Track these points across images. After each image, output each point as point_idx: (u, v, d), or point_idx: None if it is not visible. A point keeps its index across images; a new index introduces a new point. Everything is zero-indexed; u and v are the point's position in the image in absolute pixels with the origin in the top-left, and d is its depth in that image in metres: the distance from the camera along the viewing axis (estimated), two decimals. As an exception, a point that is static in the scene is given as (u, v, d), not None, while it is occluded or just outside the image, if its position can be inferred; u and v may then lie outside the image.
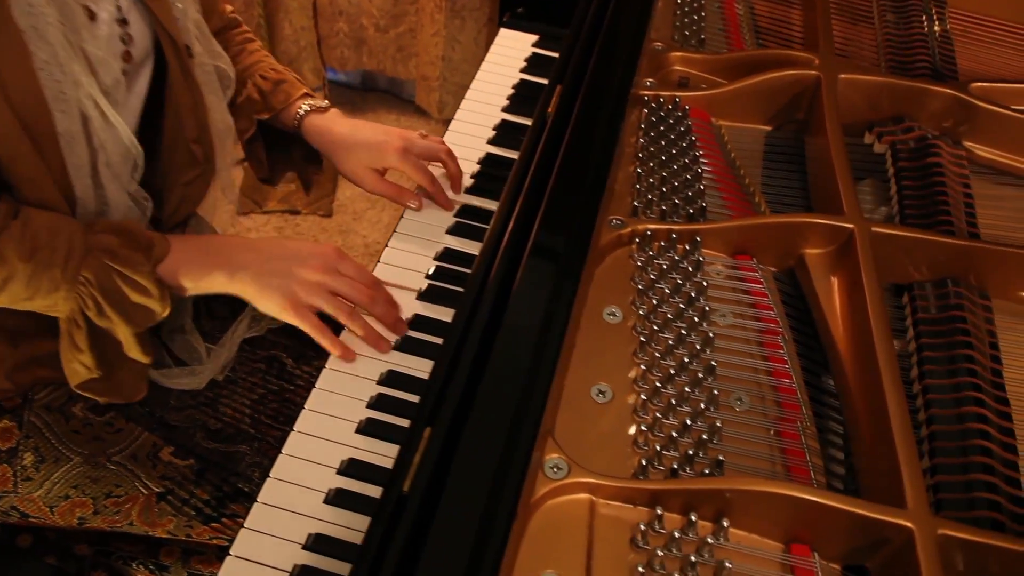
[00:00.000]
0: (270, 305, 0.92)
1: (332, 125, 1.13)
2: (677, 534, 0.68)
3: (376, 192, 1.12)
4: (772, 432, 0.76)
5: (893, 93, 1.04)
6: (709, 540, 0.68)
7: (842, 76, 1.03)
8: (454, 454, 0.64)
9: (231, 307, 1.16)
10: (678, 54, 1.12)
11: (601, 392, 0.79)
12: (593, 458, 0.73)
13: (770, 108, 1.07)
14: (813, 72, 1.04)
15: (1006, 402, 0.80)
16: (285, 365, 1.15)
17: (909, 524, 0.64)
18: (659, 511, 0.68)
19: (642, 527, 0.68)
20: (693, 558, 0.66)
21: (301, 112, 1.14)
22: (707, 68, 1.11)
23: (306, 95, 1.16)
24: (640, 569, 0.65)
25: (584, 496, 0.71)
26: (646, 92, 1.05)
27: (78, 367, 0.90)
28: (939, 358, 0.82)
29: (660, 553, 0.66)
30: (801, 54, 1.07)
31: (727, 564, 0.66)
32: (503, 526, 0.61)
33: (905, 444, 0.69)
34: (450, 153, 1.10)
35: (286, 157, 1.25)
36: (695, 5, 1.20)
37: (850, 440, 0.78)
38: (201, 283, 0.91)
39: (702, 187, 0.95)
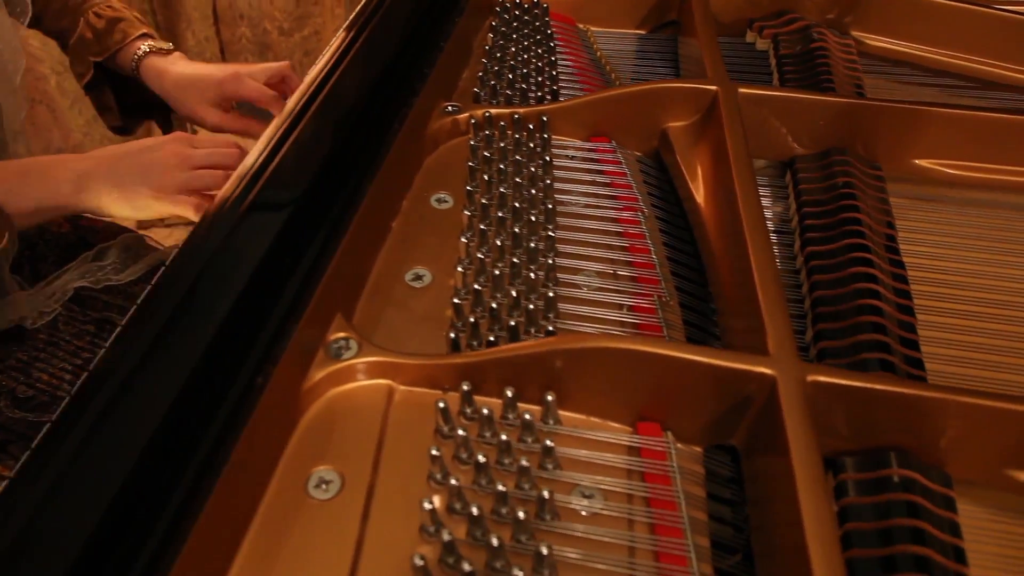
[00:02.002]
0: (138, 203, 0.82)
1: (170, 66, 1.03)
2: (486, 411, 0.53)
3: (220, 128, 1.01)
4: (625, 308, 0.63)
5: (771, -18, 0.94)
6: (527, 417, 0.53)
7: (713, -36, 0.94)
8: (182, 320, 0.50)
9: (59, 267, 1.03)
10: (541, -36, 1.02)
11: (418, 277, 0.65)
12: (399, 341, 0.60)
13: (640, 9, 0.97)
14: (681, -37, 0.94)
15: (901, 265, 0.67)
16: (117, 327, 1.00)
17: (770, 371, 0.51)
18: (466, 387, 0.54)
19: (441, 405, 0.54)
20: (504, 436, 0.52)
21: (139, 53, 1.04)
22: (573, -24, 1.01)
23: (146, 35, 1.06)
24: (434, 452, 0.51)
25: (382, 382, 0.57)
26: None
27: None
28: (823, 224, 0.69)
29: (461, 433, 0.52)
30: (669, -52, 0.97)
31: (548, 443, 0.52)
32: (232, 407, 0.47)
33: (767, 291, 0.56)
34: (290, 71, 0.99)
35: (142, 103, 1.14)
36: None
37: (719, 314, 0.65)
38: (45, 203, 0.81)
39: (556, 73, 0.84)
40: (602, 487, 0.52)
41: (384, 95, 0.71)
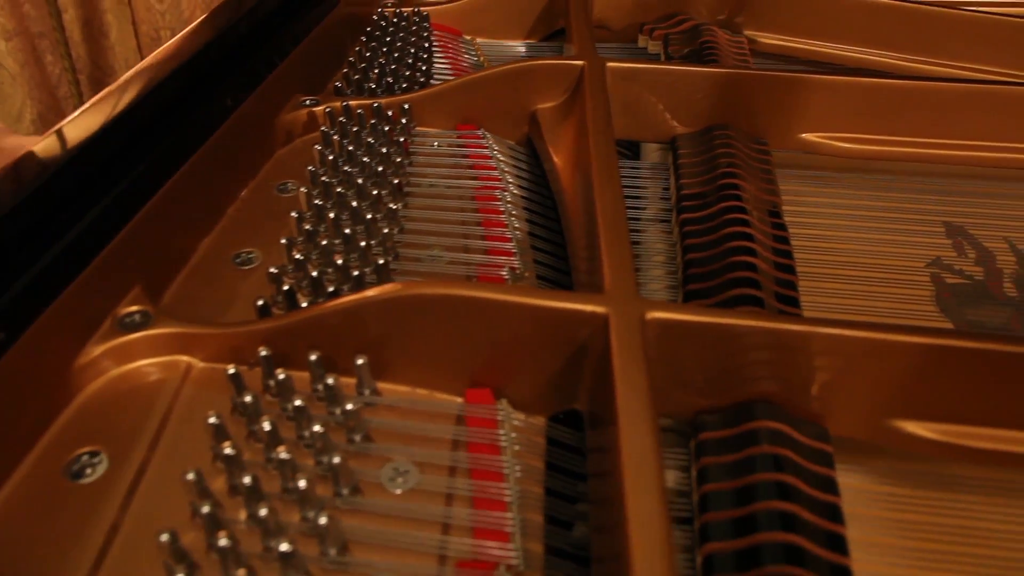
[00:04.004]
0: None
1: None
2: (283, 376, 0.46)
3: None
4: (473, 279, 0.57)
5: (658, -16, 0.92)
6: (330, 382, 0.46)
7: (596, -32, 0.92)
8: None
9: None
10: (430, -18, 1.00)
11: (246, 259, 0.59)
12: (212, 317, 0.53)
13: (527, 18, 0.94)
14: (564, -32, 0.92)
15: (784, 228, 0.61)
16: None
17: (602, 309, 0.44)
18: (264, 352, 0.47)
19: (231, 371, 0.46)
20: (299, 403, 0.44)
21: None
22: (462, -8, 0.99)
23: None
24: (212, 420, 0.43)
25: (178, 358, 0.50)
26: (386, 9, 0.92)
27: None
28: (700, 193, 0.64)
29: (248, 400, 0.45)
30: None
31: (349, 407, 0.45)
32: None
33: (609, 230, 0.49)
34: None
35: None
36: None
37: (575, 285, 0.58)
38: None
39: (427, 69, 0.80)
40: (420, 461, 0.45)
41: (210, 79, 0.66)
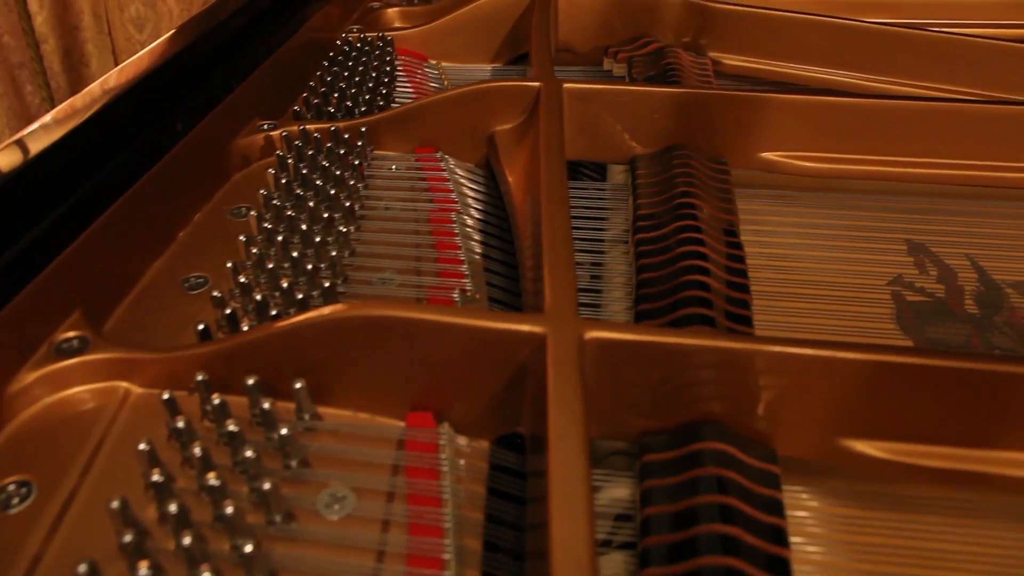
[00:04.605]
0: None
1: None
2: (218, 401, 0.45)
3: None
4: (423, 301, 0.56)
5: (622, 7, 0.93)
6: (266, 407, 0.45)
7: (560, -8, 0.92)
8: None
9: None
10: (395, 10, 1.01)
11: (196, 284, 0.58)
12: (159, 342, 0.52)
13: (492, 41, 0.94)
14: (527, -9, 0.92)
15: (739, 247, 0.61)
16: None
17: (540, 329, 0.43)
18: (200, 377, 0.46)
19: (166, 397, 0.45)
20: (234, 428, 0.43)
21: None
22: (427, 19, 0.99)
23: None
24: (142, 447, 0.42)
25: (116, 384, 0.49)
26: (351, 34, 0.92)
27: None
28: (656, 212, 0.64)
29: (181, 425, 0.44)
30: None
31: (284, 432, 0.44)
32: None
33: (553, 250, 0.49)
34: None
35: None
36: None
37: (524, 308, 0.57)
38: None
39: (387, 92, 0.79)
40: (359, 486, 0.44)
41: (165, 101, 0.65)
